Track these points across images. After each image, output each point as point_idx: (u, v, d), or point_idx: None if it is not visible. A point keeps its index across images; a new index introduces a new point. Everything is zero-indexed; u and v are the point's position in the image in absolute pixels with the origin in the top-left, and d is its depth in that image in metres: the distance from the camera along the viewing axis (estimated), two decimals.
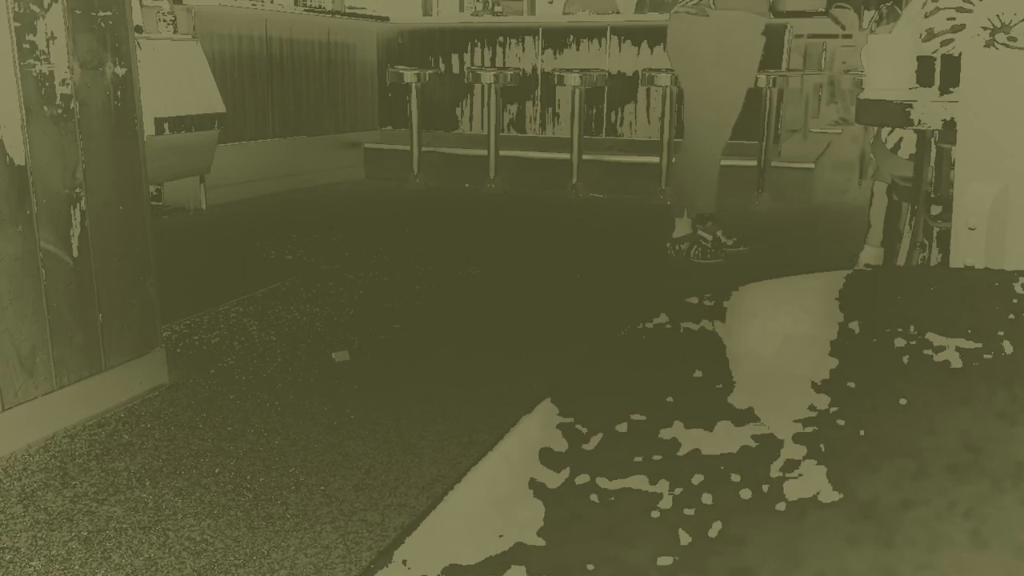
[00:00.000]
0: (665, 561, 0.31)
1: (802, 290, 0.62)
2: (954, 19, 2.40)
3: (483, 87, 6.24)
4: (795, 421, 0.41)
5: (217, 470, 2.03)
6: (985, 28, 2.36)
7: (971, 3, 2.38)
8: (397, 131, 6.92)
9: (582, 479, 0.36)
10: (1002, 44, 2.32)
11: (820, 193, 5.90)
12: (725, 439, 0.39)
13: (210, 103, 4.90)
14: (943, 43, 2.39)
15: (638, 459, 0.38)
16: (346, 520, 1.82)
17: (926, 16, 2.47)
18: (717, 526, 0.33)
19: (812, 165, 5.80)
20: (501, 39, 6.64)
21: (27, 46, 2.02)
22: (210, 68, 5.00)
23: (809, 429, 0.40)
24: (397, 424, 2.28)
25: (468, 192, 6.13)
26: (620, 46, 6.40)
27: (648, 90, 6.29)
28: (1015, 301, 0.57)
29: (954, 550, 0.31)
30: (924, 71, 2.13)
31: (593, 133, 6.43)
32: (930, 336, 0.51)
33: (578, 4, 7.00)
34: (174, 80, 4.68)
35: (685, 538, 0.32)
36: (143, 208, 2.41)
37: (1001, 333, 0.51)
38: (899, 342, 0.51)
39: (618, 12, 6.91)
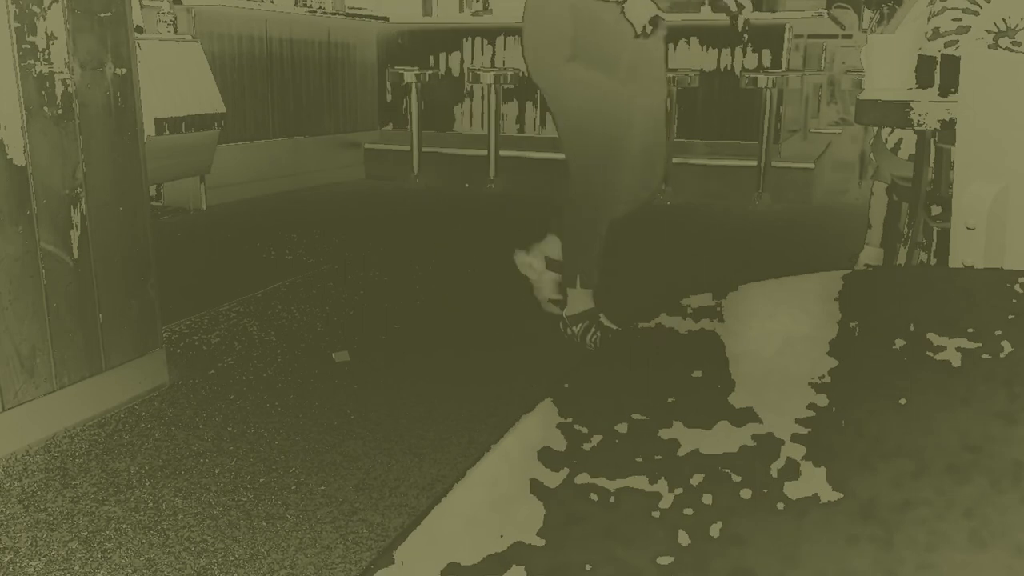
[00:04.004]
0: (665, 561, 0.31)
1: (802, 290, 0.62)
2: (960, 20, 2.40)
3: (483, 87, 6.24)
4: (795, 421, 0.41)
5: (217, 470, 2.03)
6: (990, 31, 2.35)
7: (978, 5, 2.38)
8: (397, 131, 6.92)
9: (582, 479, 0.36)
10: (1005, 48, 2.32)
11: (820, 193, 5.90)
12: (725, 439, 0.39)
13: (210, 103, 4.90)
14: (947, 44, 2.38)
15: (638, 459, 0.38)
16: (346, 520, 1.82)
17: (933, 15, 2.47)
18: (717, 526, 0.33)
19: (812, 165, 5.80)
20: (501, 39, 6.64)
21: (27, 47, 2.02)
22: (210, 68, 5.00)
23: (809, 429, 0.40)
24: (397, 424, 2.28)
25: (468, 192, 6.13)
26: None
27: None
28: (1015, 301, 0.57)
29: (954, 550, 0.31)
30: (924, 71, 2.13)
31: None
32: (930, 336, 0.51)
33: None
34: (174, 80, 4.68)
35: (685, 538, 0.32)
36: (143, 208, 2.41)
37: (1001, 333, 0.51)
38: (899, 342, 0.51)
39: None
